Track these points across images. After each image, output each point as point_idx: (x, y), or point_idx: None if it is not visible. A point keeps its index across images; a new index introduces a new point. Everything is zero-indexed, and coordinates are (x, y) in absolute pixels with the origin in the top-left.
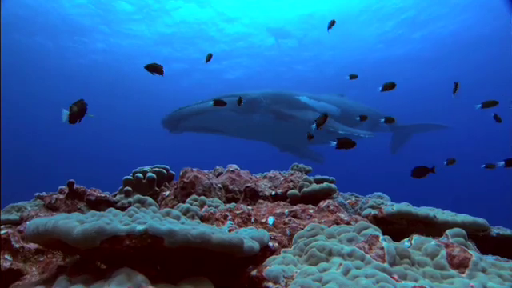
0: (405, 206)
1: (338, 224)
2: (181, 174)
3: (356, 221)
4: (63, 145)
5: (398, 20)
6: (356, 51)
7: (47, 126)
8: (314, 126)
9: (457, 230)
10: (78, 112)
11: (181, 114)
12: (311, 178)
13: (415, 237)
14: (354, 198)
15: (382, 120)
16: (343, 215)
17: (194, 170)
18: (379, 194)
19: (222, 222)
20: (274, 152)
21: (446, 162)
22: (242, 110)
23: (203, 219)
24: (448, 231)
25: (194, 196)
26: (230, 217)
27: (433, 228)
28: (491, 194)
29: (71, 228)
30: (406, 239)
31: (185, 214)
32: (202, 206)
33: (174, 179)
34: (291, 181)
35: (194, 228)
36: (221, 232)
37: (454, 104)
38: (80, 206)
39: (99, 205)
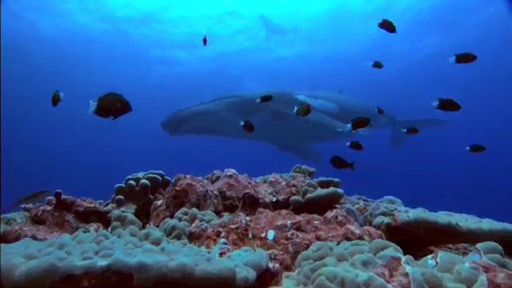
0: (422, 213)
1: (348, 239)
2: (173, 181)
3: (370, 235)
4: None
5: (398, 16)
6: (354, 47)
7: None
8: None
9: (491, 244)
10: (121, 109)
11: (180, 116)
12: (315, 182)
13: (441, 253)
14: (362, 203)
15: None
16: (353, 227)
17: (188, 176)
18: (390, 197)
19: (215, 241)
20: (275, 152)
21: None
22: (242, 110)
23: (193, 237)
24: (480, 245)
25: (184, 209)
26: (223, 233)
27: (455, 237)
28: (490, 190)
29: (13, 267)
30: (429, 256)
31: (170, 234)
32: (192, 220)
33: (170, 185)
34: (293, 185)
35: (173, 259)
36: (207, 261)
37: (456, 100)
38: (68, 218)
39: (89, 216)
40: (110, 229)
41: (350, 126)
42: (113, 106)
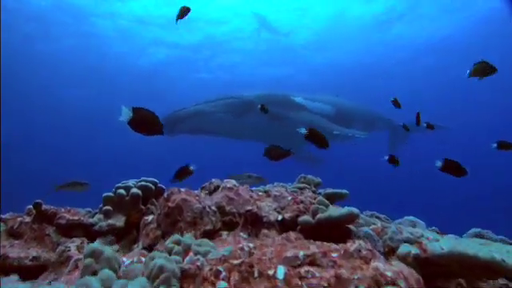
0: (457, 245)
1: (378, 284)
2: (165, 196)
3: (405, 279)
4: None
5: (394, 20)
6: (351, 52)
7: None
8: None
9: None
10: (154, 130)
11: (176, 116)
12: (325, 199)
13: None
14: (379, 224)
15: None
16: (382, 266)
17: (182, 190)
18: (411, 218)
19: (213, 284)
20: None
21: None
22: (238, 111)
23: (186, 276)
24: None
25: (177, 236)
26: (223, 273)
27: (495, 274)
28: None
29: None
30: None
31: (157, 277)
32: (186, 251)
33: (162, 199)
34: (301, 202)
35: None
36: None
37: (453, 105)
38: (49, 232)
39: (72, 229)
40: (81, 269)
41: (346, 130)
42: (147, 123)
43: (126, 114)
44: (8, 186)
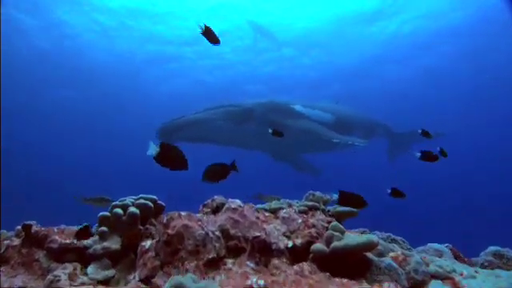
0: (500, 286)
1: None
2: (165, 221)
3: None
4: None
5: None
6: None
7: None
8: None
9: None
10: (179, 165)
11: (175, 124)
12: (332, 211)
13: None
14: (399, 251)
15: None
16: None
17: (183, 215)
18: (435, 246)
19: None
20: (277, 165)
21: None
22: (237, 119)
23: None
24: None
25: (177, 279)
26: None
27: None
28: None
29: None
30: None
31: None
32: None
33: (163, 212)
34: (313, 225)
35: None
36: None
37: (450, 109)
38: (38, 257)
39: (65, 254)
40: None
41: (346, 138)
42: (173, 159)
43: (153, 149)
44: (8, 192)
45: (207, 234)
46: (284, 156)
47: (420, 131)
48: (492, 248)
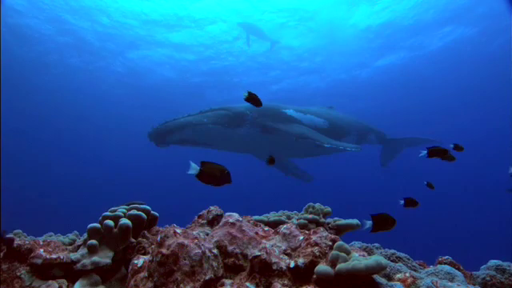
0: None
1: None
2: (158, 240)
3: None
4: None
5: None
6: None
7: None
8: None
9: None
10: (223, 180)
11: (167, 127)
12: (332, 224)
13: None
14: (407, 272)
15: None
16: None
17: (179, 232)
18: (447, 269)
19: None
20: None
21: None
22: (229, 123)
23: None
24: None
25: None
26: None
27: None
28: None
29: None
30: None
31: None
32: None
33: (157, 223)
34: (316, 244)
35: None
36: None
37: (446, 114)
38: (20, 273)
39: (50, 269)
40: None
41: (338, 143)
42: (216, 175)
43: (193, 168)
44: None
45: (204, 252)
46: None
47: (452, 145)
48: (493, 262)
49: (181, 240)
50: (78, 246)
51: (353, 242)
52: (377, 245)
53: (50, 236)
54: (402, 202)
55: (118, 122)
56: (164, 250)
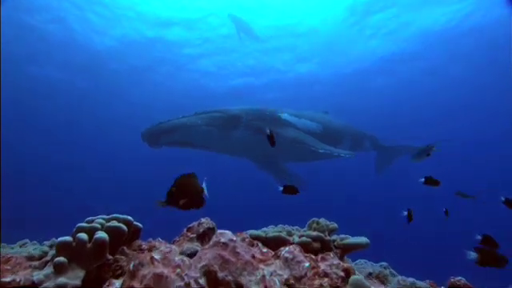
0: None
1: None
2: (131, 269)
3: None
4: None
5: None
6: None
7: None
8: None
9: None
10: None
11: (161, 128)
12: (337, 241)
13: None
14: None
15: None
16: None
17: (156, 258)
18: None
19: None
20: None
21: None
22: (223, 125)
23: None
24: None
25: None
26: None
27: None
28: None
29: None
30: None
31: None
32: None
33: (140, 237)
34: (325, 274)
35: None
36: None
37: (442, 118)
38: None
39: None
40: None
41: (333, 149)
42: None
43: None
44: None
45: (188, 284)
46: (269, 165)
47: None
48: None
49: (159, 270)
50: (47, 262)
51: (358, 260)
52: (384, 264)
53: (25, 243)
54: (422, 179)
55: (118, 121)
56: (136, 284)
